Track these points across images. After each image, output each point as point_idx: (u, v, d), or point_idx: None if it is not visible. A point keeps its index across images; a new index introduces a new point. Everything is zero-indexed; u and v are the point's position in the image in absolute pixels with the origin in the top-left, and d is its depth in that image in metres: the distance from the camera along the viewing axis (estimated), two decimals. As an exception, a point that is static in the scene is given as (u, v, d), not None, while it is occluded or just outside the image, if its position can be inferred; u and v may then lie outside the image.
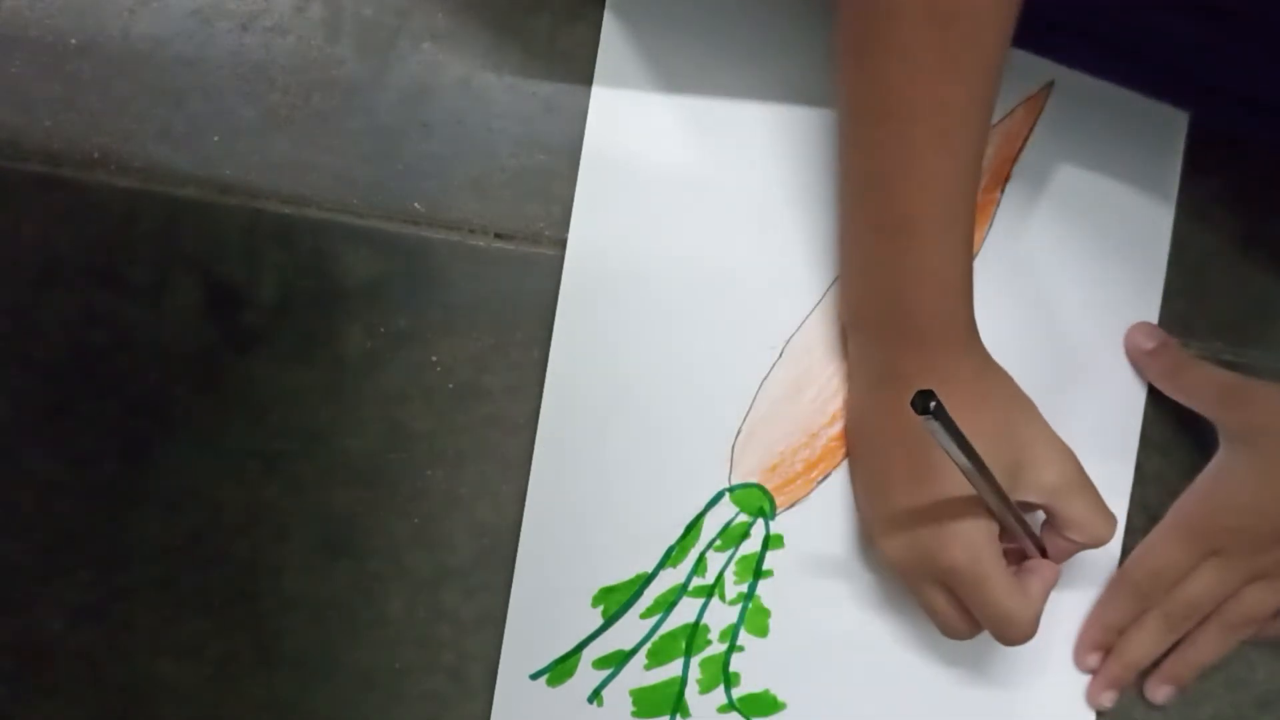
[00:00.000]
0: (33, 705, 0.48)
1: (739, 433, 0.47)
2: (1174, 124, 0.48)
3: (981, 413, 0.40)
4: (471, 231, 0.48)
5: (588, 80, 0.48)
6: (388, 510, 0.48)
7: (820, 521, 0.47)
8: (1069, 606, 0.48)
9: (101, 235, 0.48)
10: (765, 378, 0.47)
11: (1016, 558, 0.44)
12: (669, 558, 0.47)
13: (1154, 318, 0.48)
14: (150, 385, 0.48)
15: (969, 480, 0.40)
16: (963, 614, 0.43)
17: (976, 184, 0.41)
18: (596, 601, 0.47)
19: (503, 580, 0.48)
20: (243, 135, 0.48)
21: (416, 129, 0.48)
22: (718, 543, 0.47)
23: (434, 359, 0.48)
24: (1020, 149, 0.47)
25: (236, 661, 0.48)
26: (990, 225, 0.47)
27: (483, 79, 0.48)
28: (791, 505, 0.47)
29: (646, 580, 0.47)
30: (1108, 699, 0.47)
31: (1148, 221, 0.48)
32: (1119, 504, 0.48)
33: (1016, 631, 0.42)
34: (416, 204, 0.48)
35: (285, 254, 0.48)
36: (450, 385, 0.48)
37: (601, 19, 0.47)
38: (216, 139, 0.48)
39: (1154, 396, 0.48)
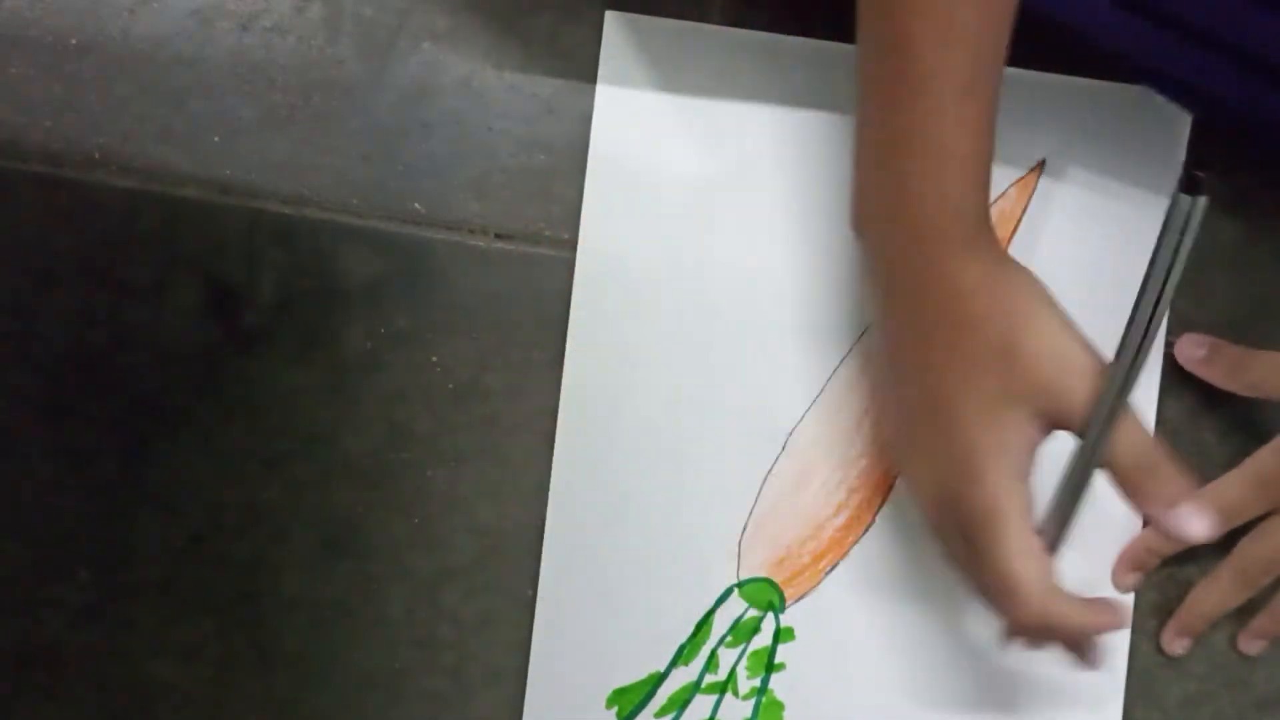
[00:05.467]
0: (33, 705, 0.48)
1: (745, 528, 0.47)
2: (1169, 188, 0.48)
3: (982, 329, 0.37)
4: (471, 231, 0.48)
5: (589, 80, 0.48)
6: (388, 510, 0.48)
7: (830, 612, 0.47)
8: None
9: (101, 235, 0.48)
10: (769, 472, 0.47)
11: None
12: (680, 656, 0.47)
13: (1159, 325, 0.48)
14: (150, 385, 0.48)
15: (1133, 317, 0.37)
16: (997, 589, 0.39)
17: (1003, 53, 0.38)
18: (610, 703, 0.47)
19: (503, 580, 0.48)
20: (243, 135, 0.48)
21: (416, 129, 0.48)
22: (729, 639, 0.47)
23: (434, 359, 0.48)
24: (1015, 229, 0.47)
25: (236, 661, 0.48)
26: None
27: (483, 79, 0.48)
28: (801, 597, 0.47)
29: (659, 679, 0.47)
30: (1180, 646, 0.47)
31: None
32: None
33: (1014, 603, 0.38)
34: (416, 204, 0.48)
35: (285, 254, 0.48)
36: (450, 385, 0.48)
37: (602, 19, 0.47)
38: (216, 139, 0.48)
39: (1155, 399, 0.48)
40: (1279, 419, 0.47)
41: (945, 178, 0.37)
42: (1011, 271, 0.39)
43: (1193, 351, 0.47)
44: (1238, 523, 0.45)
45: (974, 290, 0.38)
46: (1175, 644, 0.47)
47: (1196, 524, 0.39)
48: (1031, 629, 0.38)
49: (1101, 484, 0.47)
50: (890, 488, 0.47)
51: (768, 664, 0.48)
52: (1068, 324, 0.39)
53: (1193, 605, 0.47)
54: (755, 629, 0.48)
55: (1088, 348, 0.39)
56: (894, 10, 0.37)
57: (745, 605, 0.48)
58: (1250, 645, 0.47)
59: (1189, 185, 0.33)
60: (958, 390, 0.38)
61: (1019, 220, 0.47)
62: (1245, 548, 0.45)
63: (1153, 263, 0.35)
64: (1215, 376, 0.46)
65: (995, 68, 0.37)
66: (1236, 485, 0.45)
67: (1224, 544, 0.46)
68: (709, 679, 0.48)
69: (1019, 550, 0.38)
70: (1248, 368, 0.45)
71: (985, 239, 0.39)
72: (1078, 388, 0.38)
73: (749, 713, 0.48)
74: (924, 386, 0.39)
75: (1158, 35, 0.44)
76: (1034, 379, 0.38)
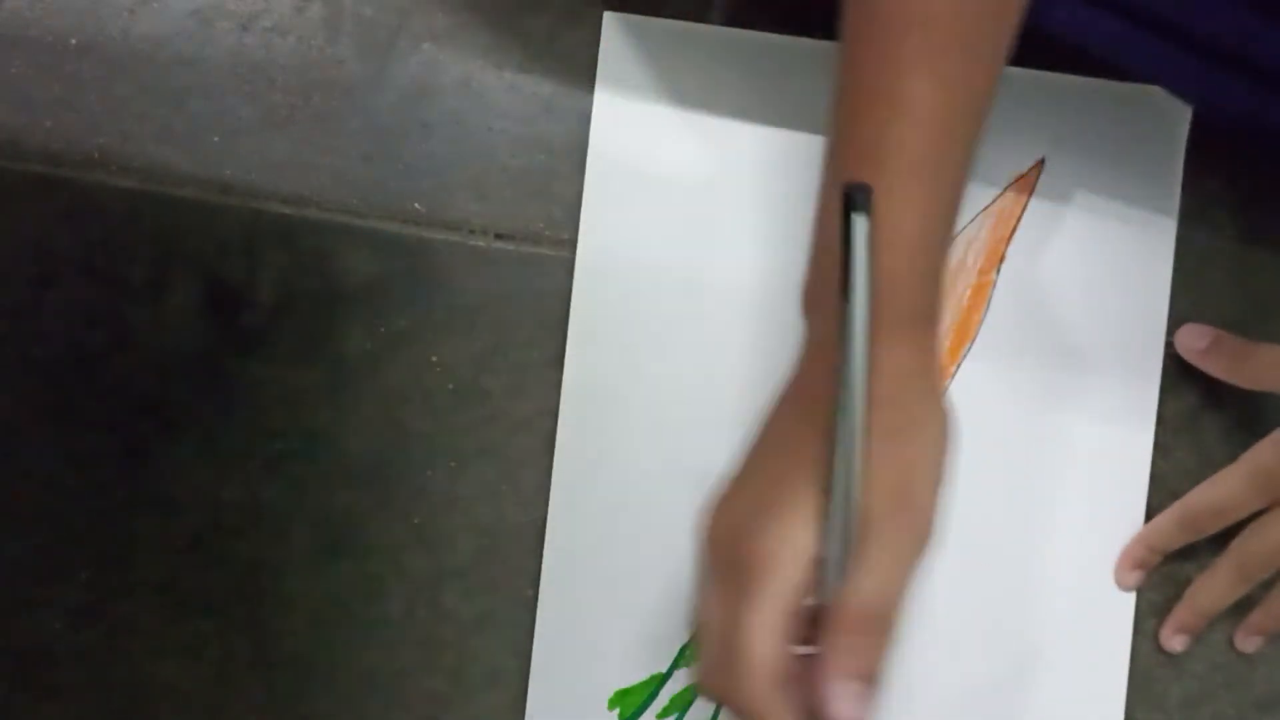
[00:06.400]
0: (33, 705, 0.48)
1: None
2: (1169, 186, 0.48)
3: (879, 410, 0.34)
4: (471, 231, 0.48)
5: (588, 80, 0.48)
6: (388, 510, 0.48)
7: None
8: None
9: (101, 235, 0.48)
10: None
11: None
12: (683, 657, 0.47)
13: (1163, 320, 0.48)
14: (150, 385, 0.48)
15: (841, 326, 0.32)
16: (722, 640, 0.35)
17: (968, 132, 0.35)
18: (613, 704, 0.47)
19: (503, 580, 0.48)
20: (243, 135, 0.48)
21: (416, 129, 0.48)
22: None
23: (434, 359, 0.48)
24: (1014, 228, 0.48)
25: (236, 662, 0.48)
26: (987, 307, 0.47)
27: (483, 79, 0.48)
28: None
29: (661, 680, 0.47)
30: (1179, 643, 0.47)
31: (1150, 260, 0.48)
32: (1135, 505, 0.48)
33: (730, 681, 0.34)
34: (416, 204, 0.48)
35: (285, 254, 0.48)
36: (450, 385, 0.48)
37: (601, 19, 0.48)
38: (216, 139, 0.48)
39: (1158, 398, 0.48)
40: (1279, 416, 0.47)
41: (887, 255, 0.33)
42: (924, 382, 0.36)
43: (1194, 342, 0.46)
44: (1235, 518, 0.45)
45: (881, 375, 0.34)
46: (1174, 640, 0.47)
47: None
48: (732, 704, 0.35)
49: (1097, 490, 0.47)
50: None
51: None
52: (925, 461, 0.35)
53: (1191, 601, 0.47)
54: None
55: (918, 486, 0.35)
56: (846, 76, 0.36)
57: None
58: (1246, 643, 0.47)
59: (848, 200, 0.30)
60: (792, 442, 0.35)
61: (1018, 219, 0.48)
62: (1243, 543, 0.45)
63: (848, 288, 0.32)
64: (1216, 368, 0.46)
65: (957, 150, 0.35)
66: (1235, 479, 0.45)
67: (1223, 539, 0.46)
68: None
69: (761, 623, 0.34)
70: (1249, 360, 0.45)
71: (915, 334, 0.36)
72: (870, 495, 0.34)
73: None
74: (768, 426, 0.37)
75: (1159, 45, 0.44)
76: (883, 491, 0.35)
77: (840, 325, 0.32)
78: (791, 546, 0.34)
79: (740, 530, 0.35)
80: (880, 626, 0.35)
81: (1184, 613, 0.47)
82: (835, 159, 0.36)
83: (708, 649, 0.35)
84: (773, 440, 0.37)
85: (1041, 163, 0.48)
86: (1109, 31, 0.44)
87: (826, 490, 0.34)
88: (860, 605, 0.34)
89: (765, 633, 0.34)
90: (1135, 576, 0.47)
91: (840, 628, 0.34)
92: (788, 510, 0.35)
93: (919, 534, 0.35)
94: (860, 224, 0.31)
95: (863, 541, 0.34)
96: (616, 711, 0.47)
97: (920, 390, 0.36)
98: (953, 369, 0.47)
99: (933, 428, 0.36)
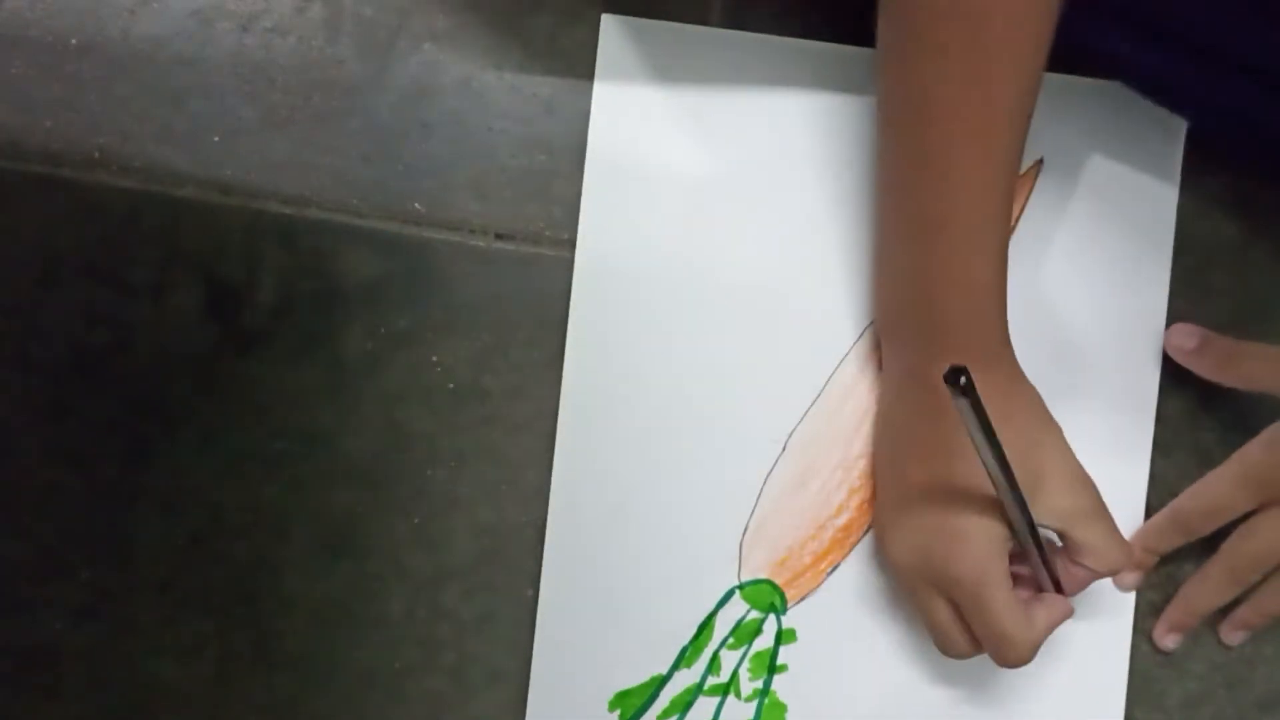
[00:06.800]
0: (33, 705, 0.48)
1: (746, 529, 0.47)
2: (1168, 186, 0.48)
3: (1003, 429, 0.40)
4: (472, 231, 0.48)
5: (588, 80, 0.48)
6: (388, 510, 0.48)
7: (832, 613, 0.47)
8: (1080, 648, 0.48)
9: (102, 235, 0.48)
10: (769, 473, 0.47)
11: (1030, 587, 0.44)
12: (683, 658, 0.47)
13: (1161, 320, 0.48)
14: (150, 385, 0.48)
15: (989, 475, 0.39)
16: (963, 629, 0.43)
17: (1011, 189, 0.42)
18: (613, 706, 0.47)
19: (502, 580, 0.48)
20: (243, 135, 0.48)
21: (416, 129, 0.48)
22: (730, 641, 0.47)
23: (434, 359, 0.48)
24: (1013, 228, 0.47)
25: (236, 662, 0.48)
26: None
27: (483, 79, 0.48)
28: (802, 598, 0.47)
29: (662, 682, 0.47)
30: (1171, 641, 0.47)
31: (1149, 246, 0.48)
32: (1135, 505, 0.48)
33: (1013, 653, 0.42)
34: (416, 204, 0.48)
35: (285, 254, 0.48)
36: (450, 385, 0.48)
37: (601, 19, 0.48)
38: (216, 139, 0.48)
39: (1159, 397, 0.48)
40: (1276, 417, 0.47)
41: (968, 303, 0.41)
42: (1021, 389, 0.43)
43: (1182, 342, 0.46)
44: (1227, 519, 0.45)
45: (994, 393, 0.41)
46: (1167, 639, 0.47)
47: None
48: (1023, 664, 0.43)
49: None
50: (890, 488, 0.47)
51: (770, 665, 0.48)
52: (1061, 443, 0.43)
53: (1184, 601, 0.47)
54: (757, 630, 0.48)
55: (1072, 464, 0.43)
56: (908, 162, 0.42)
57: (747, 607, 0.48)
58: (1231, 636, 0.47)
59: (952, 383, 0.35)
60: (956, 477, 0.42)
61: (1017, 219, 0.48)
62: (1234, 544, 0.45)
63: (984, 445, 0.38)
64: (1205, 369, 0.46)
65: (1006, 205, 0.42)
66: (1224, 481, 0.45)
67: (1216, 539, 0.46)
68: (711, 681, 0.48)
69: (1005, 608, 0.42)
70: (1239, 360, 0.45)
71: (1002, 354, 0.43)
72: (1058, 498, 0.42)
73: (752, 714, 0.48)
74: (928, 469, 0.43)
75: (1160, 51, 0.44)
76: (1030, 479, 0.41)
77: (978, 451, 0.39)
78: (990, 559, 0.42)
79: (936, 559, 0.43)
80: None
81: (1176, 613, 0.47)
82: (897, 229, 0.44)
83: (953, 639, 0.44)
84: (923, 482, 0.43)
85: (1040, 163, 0.48)
86: (1109, 36, 0.44)
87: (1000, 514, 0.42)
88: (1110, 566, 0.43)
89: (1012, 613, 0.42)
90: (1133, 577, 0.47)
91: (1078, 584, 0.44)
92: (972, 534, 0.42)
93: (1092, 487, 0.43)
94: (962, 404, 0.36)
95: (1079, 530, 0.43)
96: (617, 713, 0.47)
97: (1020, 394, 0.43)
98: None
99: (1043, 416, 0.43)
